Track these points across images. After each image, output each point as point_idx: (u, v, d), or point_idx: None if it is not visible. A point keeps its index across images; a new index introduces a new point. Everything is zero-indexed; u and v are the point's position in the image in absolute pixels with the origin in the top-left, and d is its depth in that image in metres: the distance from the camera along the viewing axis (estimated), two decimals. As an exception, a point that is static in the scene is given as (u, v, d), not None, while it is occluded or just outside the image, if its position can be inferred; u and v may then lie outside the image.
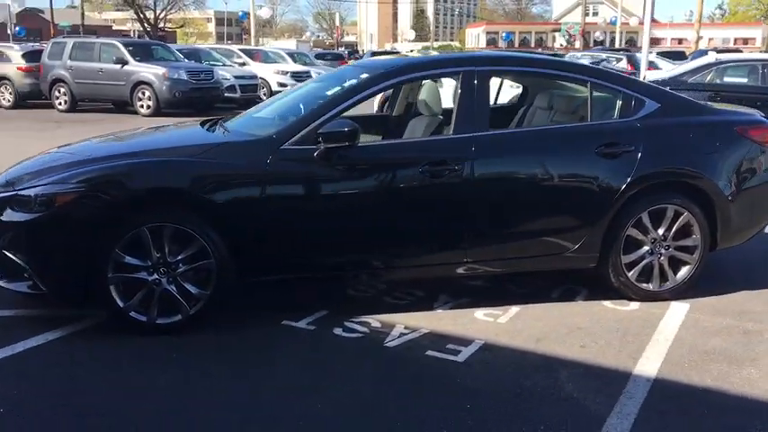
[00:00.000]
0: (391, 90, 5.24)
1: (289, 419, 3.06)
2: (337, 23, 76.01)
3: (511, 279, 4.86)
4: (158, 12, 55.71)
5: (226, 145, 3.98)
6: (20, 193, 3.81)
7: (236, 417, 3.08)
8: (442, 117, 4.72)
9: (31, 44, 22.39)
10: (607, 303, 4.52)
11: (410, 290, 4.67)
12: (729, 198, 4.51)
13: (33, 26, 55.12)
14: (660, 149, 4.41)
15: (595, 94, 4.50)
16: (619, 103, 4.47)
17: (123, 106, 17.36)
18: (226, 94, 18.34)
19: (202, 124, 4.52)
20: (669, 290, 4.54)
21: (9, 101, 18.93)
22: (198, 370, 3.52)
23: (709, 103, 5.42)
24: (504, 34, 58.23)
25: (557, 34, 63.00)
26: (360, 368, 3.57)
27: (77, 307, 4.00)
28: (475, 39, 66.27)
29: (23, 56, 19.16)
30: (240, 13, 48.87)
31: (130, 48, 17.67)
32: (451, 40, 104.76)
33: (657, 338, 3.99)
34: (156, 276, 3.83)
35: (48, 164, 4.10)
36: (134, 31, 60.02)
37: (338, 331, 4.00)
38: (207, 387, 3.35)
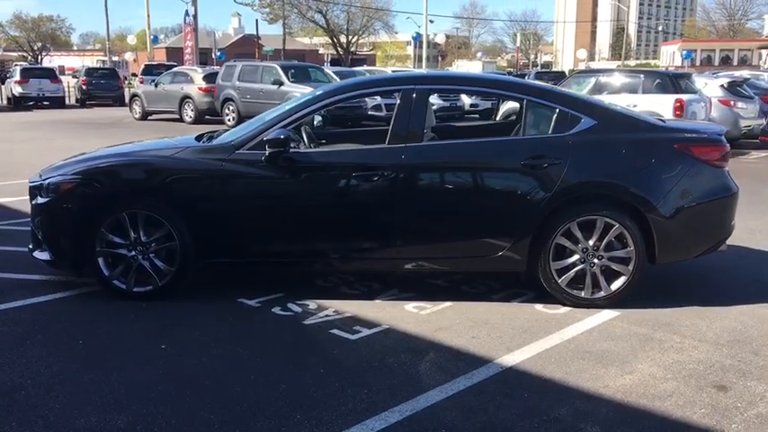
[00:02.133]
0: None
1: (174, 369, 3.82)
2: (518, 44, 75.71)
3: (467, 280, 5.28)
4: (350, 37, 59.24)
5: (192, 149, 4.86)
6: (44, 182, 4.95)
7: (131, 362, 3.90)
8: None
9: (210, 67, 25.25)
10: (539, 306, 4.81)
11: (369, 283, 5.26)
12: (666, 214, 4.62)
13: (249, 51, 61.14)
14: (587, 163, 4.65)
15: (530, 110, 4.83)
16: (553, 119, 4.76)
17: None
18: (370, 113, 19.56)
19: (199, 137, 5.43)
20: (602, 298, 4.73)
21: (191, 117, 21.61)
22: (143, 325, 4.41)
23: (668, 119, 5.43)
24: (685, 52, 54.79)
25: (763, 51, 58.19)
26: (265, 337, 4.25)
27: (78, 274, 5.06)
28: (670, 56, 62.94)
29: (204, 77, 21.82)
30: (414, 35, 50.63)
31: (290, 70, 19.53)
32: (653, 58, 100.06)
33: (552, 337, 4.26)
34: (133, 253, 4.80)
35: (71, 159, 5.23)
36: (327, 54, 64.36)
37: (276, 310, 4.71)
38: (138, 338, 4.22)
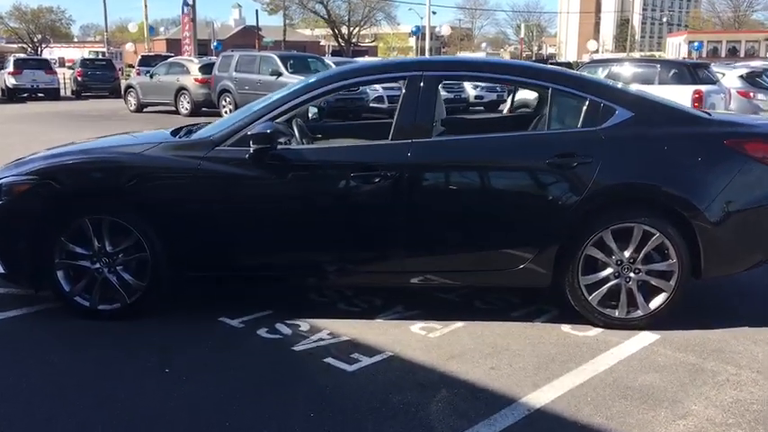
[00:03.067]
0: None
1: (137, 402, 3.19)
2: (522, 35, 74.86)
3: (481, 295, 4.64)
4: (351, 28, 58.45)
5: (164, 145, 4.19)
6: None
7: (83, 402, 3.26)
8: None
9: (207, 57, 24.54)
10: (566, 327, 4.16)
11: (370, 298, 4.62)
12: (715, 220, 3.96)
13: (249, 42, 60.39)
14: (622, 162, 3.99)
15: (556, 100, 4.17)
16: (583, 110, 4.10)
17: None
18: (372, 105, 18.88)
19: (176, 131, 4.73)
20: (639, 318, 4.08)
21: (187, 109, 20.91)
22: (105, 352, 3.76)
23: (713, 111, 4.76)
24: (696, 43, 53.85)
25: (770, 43, 57.31)
26: (247, 368, 3.61)
27: (36, 289, 4.41)
28: (676, 48, 62.03)
29: (200, 68, 21.12)
30: (414, 28, 49.77)
31: (289, 61, 18.84)
32: (658, 50, 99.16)
33: (585, 368, 3.62)
34: (98, 265, 4.15)
35: (32, 157, 4.58)
36: (329, 46, 63.56)
37: (262, 332, 4.07)
38: (96, 370, 3.58)
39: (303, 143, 4.60)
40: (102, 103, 26.72)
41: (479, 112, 21.86)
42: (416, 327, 4.16)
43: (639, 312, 4.07)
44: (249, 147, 4.00)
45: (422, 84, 4.14)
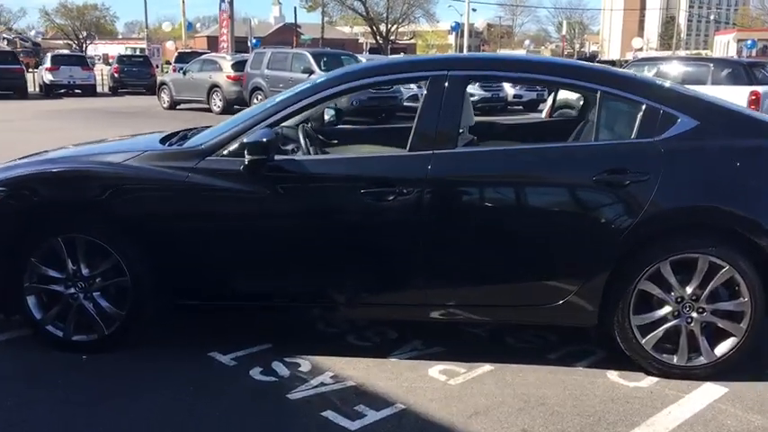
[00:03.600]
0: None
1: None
2: (564, 32, 73.30)
3: (513, 329, 4.01)
4: (389, 25, 57.86)
5: (149, 154, 3.64)
6: None
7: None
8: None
9: (240, 54, 24.18)
10: (612, 375, 3.51)
11: (384, 329, 4.03)
12: (798, 251, 3.28)
13: (288, 39, 60.21)
14: (687, 180, 3.33)
15: (606, 105, 3.52)
16: (638, 118, 3.45)
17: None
18: (406, 104, 18.24)
19: (167, 138, 4.14)
20: (702, 367, 3.42)
21: (219, 107, 20.55)
22: (72, 393, 3.24)
23: None
24: (749, 41, 51.88)
25: (826, 41, 55.06)
26: (233, 421, 3.05)
27: (5, 315, 3.92)
28: (724, 46, 60.02)
29: (233, 65, 20.72)
30: (453, 24, 48.86)
31: (322, 58, 18.32)
32: (704, 48, 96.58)
33: (638, 433, 2.98)
34: (72, 290, 3.63)
35: (17, 162, 4.07)
36: (366, 43, 63.04)
37: (256, 372, 3.50)
38: (59, 417, 3.05)
39: (310, 152, 4.03)
40: (137, 99, 26.54)
41: (518, 112, 21.11)
42: (435, 369, 3.55)
43: (703, 360, 3.41)
44: (244, 157, 3.44)
45: (446, 84, 3.53)
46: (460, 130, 3.88)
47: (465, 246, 3.47)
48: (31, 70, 32.16)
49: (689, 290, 3.37)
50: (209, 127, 4.09)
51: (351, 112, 16.87)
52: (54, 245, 3.57)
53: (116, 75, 30.13)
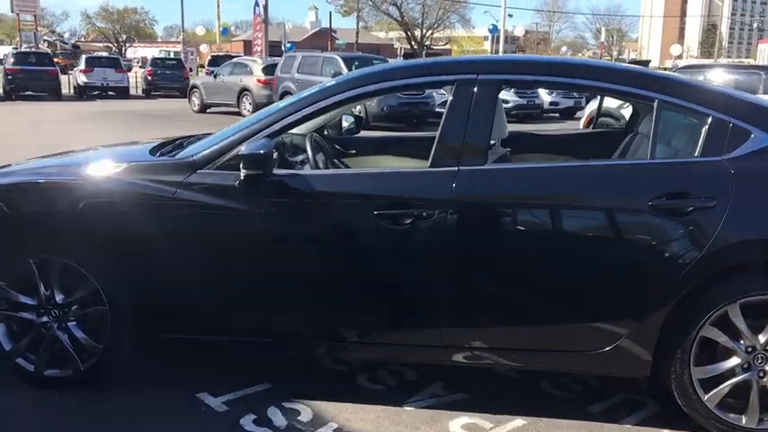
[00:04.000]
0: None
1: None
2: (602, 39, 72.01)
3: (550, 374, 3.47)
4: (425, 30, 57.37)
5: (133, 167, 3.18)
6: None
7: None
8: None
9: (271, 58, 23.89)
10: (668, 435, 2.97)
11: (401, 369, 3.52)
12: None
13: (324, 44, 60.10)
14: (761, 207, 2.78)
15: (664, 117, 2.97)
16: (703, 132, 2.90)
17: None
18: (438, 110, 17.72)
19: (159, 147, 3.61)
20: (777, 430, 2.86)
21: (249, 110, 20.22)
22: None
23: None
24: (797, 48, 50.22)
25: None
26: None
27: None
28: (767, 55, 58.34)
29: (263, 69, 20.41)
30: (490, 27, 48.07)
31: (353, 62, 17.89)
32: (746, 57, 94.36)
33: None
34: (45, 319, 3.20)
35: (10, 169, 3.65)
36: (401, 48, 62.62)
37: (247, 420, 3.02)
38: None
39: (319, 165, 3.55)
40: (169, 102, 26.40)
41: (554, 120, 20.44)
42: (458, 423, 3.04)
43: (777, 422, 2.85)
44: (240, 171, 2.97)
45: (475, 90, 3.02)
46: (492, 142, 3.39)
47: (494, 279, 2.96)
48: (70, 72, 32.31)
49: (762, 338, 2.82)
50: (209, 134, 3.63)
51: (380, 118, 16.46)
52: (25, 267, 3.14)
53: (149, 77, 30.09)
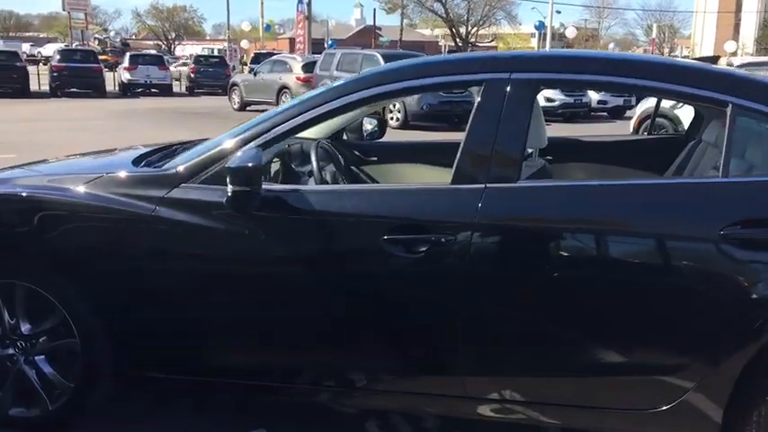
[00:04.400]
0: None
1: None
2: (654, 35, 69.99)
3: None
4: (470, 27, 56.59)
5: (108, 179, 2.75)
6: None
7: None
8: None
9: (311, 55, 23.57)
10: None
11: (419, 414, 3.04)
12: None
13: (368, 42, 59.77)
14: None
15: (740, 125, 2.42)
16: (789, 143, 2.35)
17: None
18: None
19: (147, 154, 3.20)
20: None
21: (287, 109, 19.92)
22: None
23: None
24: None
25: None
26: None
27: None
28: (830, 52, 56.00)
29: (303, 67, 20.10)
30: (537, 23, 47.00)
31: (394, 60, 17.43)
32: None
33: None
34: (10, 351, 2.81)
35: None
36: (446, 45, 61.86)
37: (233, 476, 2.58)
38: None
39: (327, 177, 3.09)
40: (211, 100, 26.31)
41: (602, 120, 19.64)
42: (482, 487, 2.55)
43: None
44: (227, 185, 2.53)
45: (508, 90, 2.52)
46: (528, 152, 2.89)
47: (528, 319, 2.46)
48: (116, 70, 32.60)
49: None
50: (205, 140, 3.19)
51: (420, 117, 15.96)
52: (-14, 292, 2.76)
53: (192, 75, 30.13)
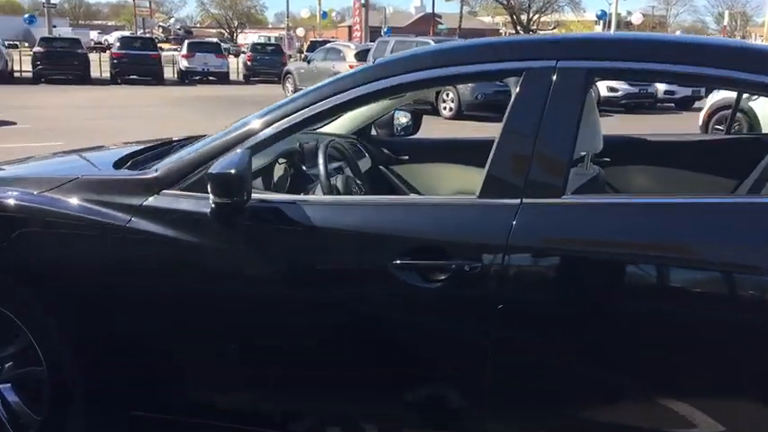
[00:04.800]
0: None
1: None
2: (725, 22, 67.05)
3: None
4: (531, 14, 55.29)
5: (77, 183, 2.36)
6: None
7: None
8: None
9: (365, 43, 23.14)
10: None
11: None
12: None
13: (427, 29, 59.04)
14: None
15: None
16: None
17: (430, 108, 16.60)
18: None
19: (124, 160, 2.71)
20: None
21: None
22: None
23: None
24: None
25: None
26: None
27: None
28: None
29: (356, 55, 19.69)
30: (599, 12, 45.43)
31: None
32: None
33: None
34: (-26, 378, 2.47)
35: None
36: (506, 33, 60.62)
37: None
38: None
39: (338, 184, 2.64)
40: (266, 88, 26.14)
41: (669, 111, 18.63)
42: None
43: None
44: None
45: (554, 81, 2.03)
46: (581, 154, 2.40)
47: (570, 362, 1.98)
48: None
49: None
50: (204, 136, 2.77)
51: (474, 107, 15.36)
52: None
53: (249, 63, 30.08)
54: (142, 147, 2.92)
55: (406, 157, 3.56)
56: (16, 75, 25.81)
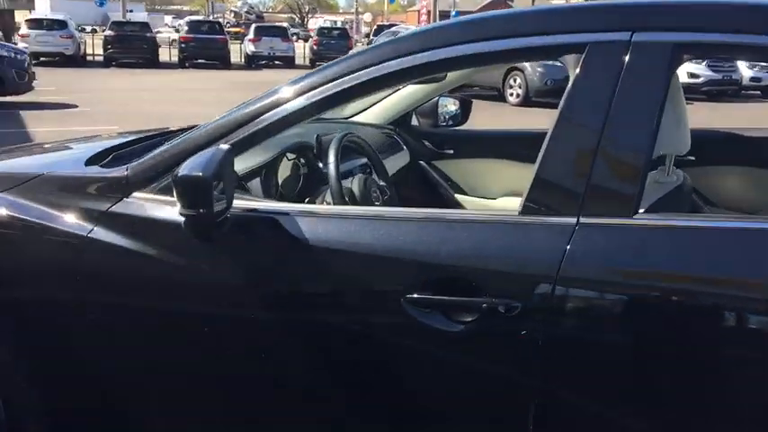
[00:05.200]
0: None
1: None
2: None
3: None
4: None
5: (40, 181, 1.94)
6: None
7: None
8: None
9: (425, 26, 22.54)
10: None
11: None
12: None
13: (498, 12, 57.55)
14: None
15: None
16: None
17: (497, 94, 15.94)
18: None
19: (120, 146, 2.32)
20: None
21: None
22: None
23: None
24: None
25: None
26: None
27: None
28: None
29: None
30: None
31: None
32: None
33: None
34: (-74, 406, 2.12)
35: None
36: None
37: None
38: None
39: (355, 188, 2.15)
40: (331, 72, 25.85)
41: (755, 98, 17.38)
42: None
43: None
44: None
45: (627, 60, 1.51)
46: (661, 155, 1.87)
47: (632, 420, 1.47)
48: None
49: None
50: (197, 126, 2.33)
51: (543, 93, 14.58)
52: None
53: (315, 47, 29.89)
54: (133, 137, 2.51)
55: (451, 152, 3.07)
56: (89, 58, 26.33)
